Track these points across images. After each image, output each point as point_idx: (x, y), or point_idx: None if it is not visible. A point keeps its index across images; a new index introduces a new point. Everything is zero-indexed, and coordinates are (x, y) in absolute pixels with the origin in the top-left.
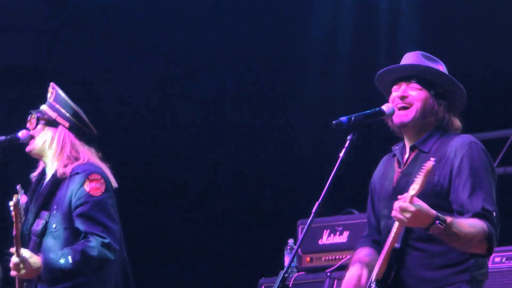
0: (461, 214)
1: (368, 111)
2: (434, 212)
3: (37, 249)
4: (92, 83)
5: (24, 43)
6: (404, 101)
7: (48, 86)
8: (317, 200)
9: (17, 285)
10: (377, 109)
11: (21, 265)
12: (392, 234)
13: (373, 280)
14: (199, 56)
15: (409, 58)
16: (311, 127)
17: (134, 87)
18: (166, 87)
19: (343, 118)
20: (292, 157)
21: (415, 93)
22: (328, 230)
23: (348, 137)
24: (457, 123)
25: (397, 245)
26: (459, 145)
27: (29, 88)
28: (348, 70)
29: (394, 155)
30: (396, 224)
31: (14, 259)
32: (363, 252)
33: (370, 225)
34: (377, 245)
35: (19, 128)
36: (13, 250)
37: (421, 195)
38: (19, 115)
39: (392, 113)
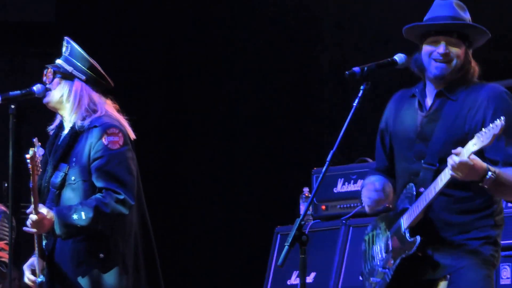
0: (495, 163)
1: (380, 61)
2: (485, 164)
3: (56, 201)
4: (102, 41)
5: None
6: (445, 57)
7: (62, 41)
8: (332, 149)
9: (36, 241)
10: (389, 59)
11: (40, 223)
12: (439, 184)
13: (406, 227)
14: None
15: (443, 9)
16: (326, 78)
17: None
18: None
19: (356, 68)
20: (307, 107)
21: (455, 49)
22: (343, 179)
23: (362, 87)
24: (477, 68)
25: (422, 189)
26: (491, 95)
27: (42, 44)
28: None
29: (413, 95)
30: (444, 176)
31: (33, 217)
32: (375, 177)
33: (380, 162)
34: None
35: (33, 83)
36: (30, 210)
37: (453, 143)
38: (31, 71)
39: (405, 62)
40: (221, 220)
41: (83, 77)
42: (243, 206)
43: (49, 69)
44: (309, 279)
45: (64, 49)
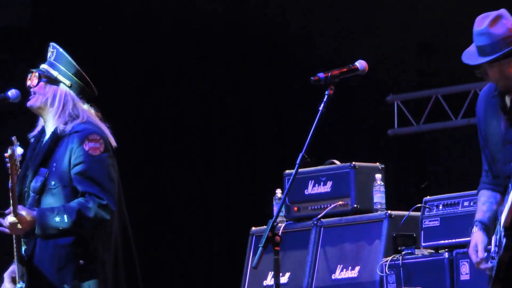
0: None
1: (342, 68)
2: None
3: (36, 206)
4: (78, 46)
5: (11, 3)
6: (501, 81)
7: (41, 45)
8: (301, 152)
9: (15, 242)
10: (350, 65)
11: (19, 225)
12: None
13: (502, 227)
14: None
15: (483, 37)
16: (297, 83)
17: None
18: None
19: (321, 74)
20: (278, 112)
21: (506, 67)
22: (313, 181)
23: (326, 92)
24: None
25: None
26: None
27: (17, 49)
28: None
29: (494, 96)
30: None
31: (10, 218)
32: (483, 198)
33: (488, 160)
34: (497, 186)
35: (9, 88)
36: (8, 211)
37: None
38: (5, 76)
39: (364, 69)
40: (198, 221)
41: (68, 82)
42: (220, 209)
43: (34, 73)
44: (284, 279)
45: (49, 54)
